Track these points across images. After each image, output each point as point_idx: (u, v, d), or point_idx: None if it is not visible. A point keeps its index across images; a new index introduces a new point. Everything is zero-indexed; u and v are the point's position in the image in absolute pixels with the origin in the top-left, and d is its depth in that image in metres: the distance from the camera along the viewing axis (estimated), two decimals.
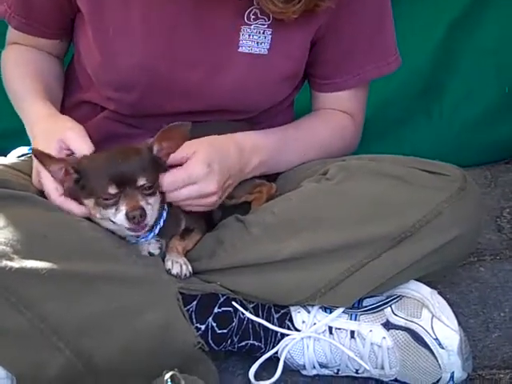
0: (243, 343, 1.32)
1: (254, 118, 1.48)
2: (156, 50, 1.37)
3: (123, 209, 1.20)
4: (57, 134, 1.32)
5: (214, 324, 1.29)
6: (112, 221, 1.23)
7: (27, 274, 1.16)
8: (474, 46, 2.06)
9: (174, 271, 1.28)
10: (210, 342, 1.29)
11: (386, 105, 2.05)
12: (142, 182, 1.22)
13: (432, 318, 1.26)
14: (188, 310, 1.28)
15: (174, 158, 1.29)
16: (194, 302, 1.29)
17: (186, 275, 1.29)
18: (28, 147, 1.56)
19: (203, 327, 1.28)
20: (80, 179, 1.25)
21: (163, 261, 1.31)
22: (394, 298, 1.31)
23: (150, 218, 1.23)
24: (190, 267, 1.31)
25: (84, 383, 1.20)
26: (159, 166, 1.27)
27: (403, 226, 1.26)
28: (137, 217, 1.19)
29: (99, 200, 1.23)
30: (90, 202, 1.25)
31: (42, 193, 1.32)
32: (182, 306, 1.26)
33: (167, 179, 1.28)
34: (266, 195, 1.43)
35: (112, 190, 1.21)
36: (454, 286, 1.56)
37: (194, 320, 1.28)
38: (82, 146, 1.30)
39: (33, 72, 1.49)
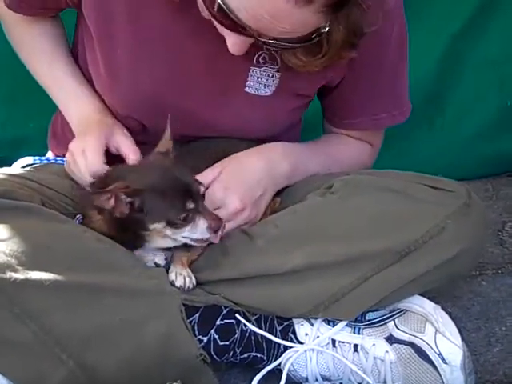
0: (245, 355, 1.32)
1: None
2: (163, 75, 1.37)
3: (204, 222, 1.20)
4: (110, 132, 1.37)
5: (217, 336, 1.29)
6: (184, 236, 1.23)
7: (32, 286, 1.16)
8: (477, 59, 2.06)
9: (178, 284, 1.28)
10: (213, 353, 1.30)
11: None
12: (202, 189, 1.23)
13: (436, 333, 1.26)
14: (191, 322, 1.28)
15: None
16: (197, 314, 1.29)
17: (189, 288, 1.29)
18: (33, 157, 1.57)
19: (205, 339, 1.29)
20: (133, 202, 1.19)
21: (167, 271, 1.30)
22: (398, 313, 1.31)
23: None
24: (193, 279, 1.31)
25: None
26: None
27: (407, 240, 1.27)
28: (220, 227, 1.21)
29: (172, 222, 1.20)
30: (158, 226, 1.21)
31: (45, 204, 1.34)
32: (185, 317, 1.26)
33: None
34: (270, 209, 1.44)
35: (190, 204, 1.19)
36: (456, 300, 1.56)
37: (197, 332, 1.28)
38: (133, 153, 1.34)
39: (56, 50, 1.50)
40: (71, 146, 1.39)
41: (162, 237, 1.25)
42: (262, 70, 1.37)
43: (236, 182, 1.34)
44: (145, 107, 1.40)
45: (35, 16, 1.48)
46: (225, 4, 1.11)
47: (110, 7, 1.32)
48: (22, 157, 1.59)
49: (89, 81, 1.48)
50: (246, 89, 1.38)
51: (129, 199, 1.20)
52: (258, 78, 1.37)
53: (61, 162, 1.50)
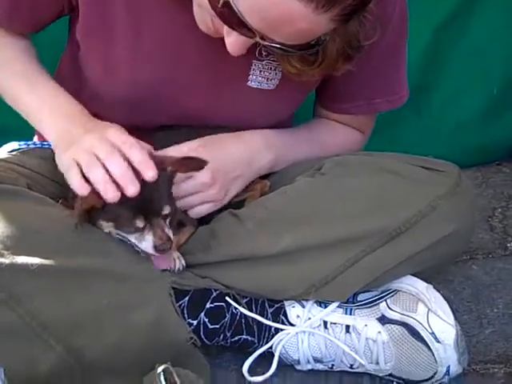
0: (236, 338, 1.30)
1: None
2: (163, 72, 1.33)
3: (150, 239, 1.17)
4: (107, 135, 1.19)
5: (206, 319, 1.28)
6: (129, 240, 1.20)
7: (18, 270, 1.14)
8: (462, 48, 2.06)
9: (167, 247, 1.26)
10: (203, 337, 1.28)
11: None
12: (167, 210, 1.18)
13: (428, 313, 1.25)
14: (180, 306, 1.26)
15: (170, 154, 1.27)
16: (186, 298, 1.27)
17: (179, 269, 1.28)
18: (18, 143, 1.54)
19: (195, 322, 1.27)
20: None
21: None
22: (390, 293, 1.30)
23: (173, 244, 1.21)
24: (183, 261, 1.29)
25: (76, 379, 1.18)
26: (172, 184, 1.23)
27: (399, 220, 1.25)
28: (166, 248, 1.17)
29: (120, 227, 1.18)
30: (107, 224, 1.19)
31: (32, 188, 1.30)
32: (174, 301, 1.25)
33: None
34: (259, 192, 1.42)
35: (140, 223, 1.16)
36: (447, 283, 1.56)
37: (186, 315, 1.26)
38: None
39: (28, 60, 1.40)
40: (80, 148, 1.18)
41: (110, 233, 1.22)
42: (264, 63, 1.34)
43: (210, 158, 1.29)
44: (143, 105, 1.36)
45: (17, 31, 1.39)
46: (232, 1, 1.07)
47: (109, 3, 1.28)
48: (4, 143, 1.54)
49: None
50: (249, 83, 1.35)
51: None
52: (260, 71, 1.34)
53: (47, 146, 1.46)
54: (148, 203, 1.16)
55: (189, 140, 1.35)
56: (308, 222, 1.28)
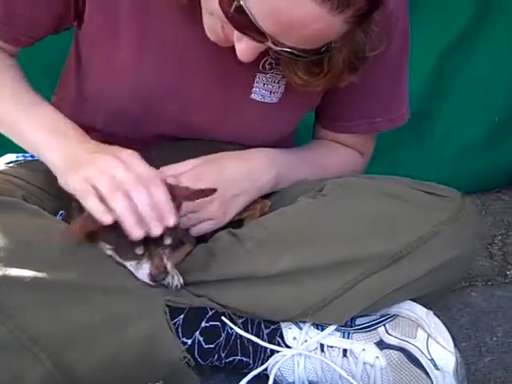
0: (231, 359, 1.27)
1: None
2: (167, 81, 1.32)
3: (147, 267, 1.16)
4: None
5: (201, 338, 1.25)
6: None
7: (10, 282, 1.11)
8: (465, 76, 2.08)
9: (165, 281, 1.25)
10: (197, 356, 1.25)
11: None
12: (168, 241, 1.16)
13: (428, 339, 1.23)
14: (175, 324, 1.23)
15: (164, 173, 1.25)
16: (182, 316, 1.25)
17: (176, 286, 1.25)
18: (16, 154, 1.53)
19: (190, 341, 1.24)
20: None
21: None
22: (389, 318, 1.28)
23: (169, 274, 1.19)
24: (181, 279, 1.27)
25: None
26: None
27: (400, 244, 1.24)
28: (161, 279, 1.17)
29: (119, 253, 1.17)
30: (105, 246, 1.18)
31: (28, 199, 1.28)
32: (169, 319, 1.22)
33: None
34: (259, 212, 1.41)
35: (139, 251, 1.14)
36: (446, 311, 1.54)
37: (181, 334, 1.24)
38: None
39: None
40: (96, 168, 1.10)
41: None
42: (268, 76, 1.33)
43: (209, 175, 1.29)
44: (145, 115, 1.34)
45: (11, 42, 1.32)
46: (245, 5, 1.06)
47: (116, 6, 1.27)
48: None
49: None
50: (252, 95, 1.35)
51: None
52: (264, 84, 1.34)
53: None
54: (149, 235, 1.13)
55: (189, 153, 1.35)
56: (307, 243, 1.26)
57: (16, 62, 1.37)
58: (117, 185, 1.08)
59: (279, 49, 1.12)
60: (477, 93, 2.09)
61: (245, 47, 1.14)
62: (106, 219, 1.08)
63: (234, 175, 1.35)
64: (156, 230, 1.09)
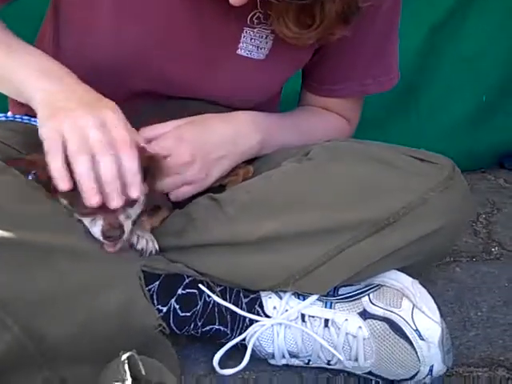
0: (208, 328, 1.22)
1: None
2: (149, 35, 1.27)
3: (100, 223, 1.09)
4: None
5: (177, 306, 1.20)
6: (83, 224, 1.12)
7: None
8: (453, 54, 2.05)
9: (139, 246, 1.19)
10: (172, 325, 1.20)
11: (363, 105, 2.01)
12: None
13: (413, 309, 1.18)
14: (149, 290, 1.18)
15: (149, 136, 1.21)
16: (157, 282, 1.19)
17: (151, 252, 1.20)
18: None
19: (165, 309, 1.19)
20: None
21: None
22: (373, 287, 1.23)
23: (127, 234, 1.11)
24: (156, 244, 1.21)
25: (34, 364, 1.09)
26: (146, 174, 1.12)
27: (387, 211, 1.18)
28: (114, 236, 1.09)
29: (74, 206, 1.10)
30: (63, 201, 1.12)
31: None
32: (143, 285, 1.17)
33: None
34: (242, 178, 1.35)
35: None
36: (431, 285, 1.46)
37: (156, 301, 1.19)
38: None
39: None
40: (72, 121, 1.05)
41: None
42: (255, 30, 1.29)
43: (192, 136, 1.24)
44: (127, 70, 1.28)
45: None
46: None
47: None
48: None
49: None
50: (239, 51, 1.30)
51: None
52: (251, 39, 1.29)
53: (19, 119, 1.39)
54: None
55: (175, 114, 1.29)
56: (292, 209, 1.21)
57: None
58: (86, 146, 1.03)
59: None
60: (464, 72, 2.06)
61: None
62: (63, 185, 1.03)
63: (217, 137, 1.29)
64: (114, 203, 1.04)
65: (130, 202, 1.09)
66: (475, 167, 2.19)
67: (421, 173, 1.22)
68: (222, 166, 1.29)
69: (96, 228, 1.10)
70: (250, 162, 1.38)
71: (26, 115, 1.32)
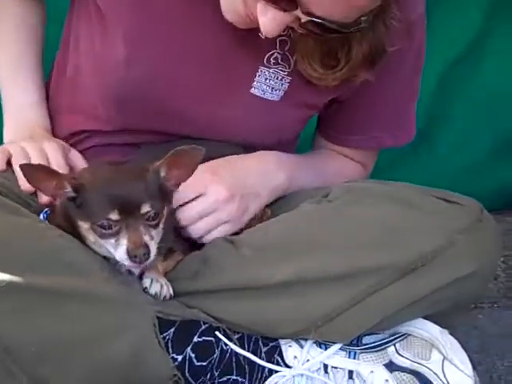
0: (225, 378, 1.16)
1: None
2: (161, 65, 1.25)
3: (124, 243, 1.05)
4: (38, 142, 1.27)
5: (193, 355, 1.14)
6: (107, 250, 1.08)
7: None
8: (466, 98, 2.02)
9: (153, 291, 1.14)
10: (187, 375, 1.14)
11: None
12: (146, 209, 1.06)
13: (443, 361, 1.13)
14: (164, 338, 1.12)
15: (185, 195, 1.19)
16: (172, 329, 1.14)
17: (165, 297, 1.15)
18: None
19: (180, 358, 1.13)
20: (77, 197, 1.08)
21: (141, 279, 1.15)
22: (399, 337, 1.18)
23: (153, 256, 1.07)
24: (170, 289, 1.16)
25: None
26: (166, 195, 1.12)
27: (413, 255, 1.14)
28: (139, 256, 1.04)
29: (95, 227, 1.06)
30: (84, 225, 1.08)
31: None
32: (158, 332, 1.11)
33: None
34: (258, 221, 1.30)
35: (113, 215, 1.05)
36: (453, 333, 1.44)
37: (171, 349, 1.13)
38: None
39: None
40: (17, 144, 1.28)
41: (93, 242, 1.10)
42: (271, 71, 1.26)
43: (226, 172, 1.21)
44: (136, 98, 1.26)
45: None
46: None
47: None
48: None
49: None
50: (252, 90, 1.28)
51: (72, 193, 1.08)
52: (266, 79, 1.27)
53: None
54: (125, 197, 1.06)
55: None
56: (312, 252, 1.17)
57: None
58: (24, 154, 1.25)
59: (308, 19, 1.05)
60: (478, 114, 2.03)
61: (270, 18, 1.07)
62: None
63: (251, 174, 1.27)
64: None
65: (152, 224, 1.07)
66: (491, 209, 2.14)
67: (447, 214, 1.18)
68: (259, 202, 1.27)
69: (120, 249, 1.05)
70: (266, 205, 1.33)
71: None
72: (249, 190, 1.24)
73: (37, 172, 1.09)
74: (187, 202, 1.20)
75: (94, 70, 1.27)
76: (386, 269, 1.14)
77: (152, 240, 1.07)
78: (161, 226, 1.10)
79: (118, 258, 1.06)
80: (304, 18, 1.06)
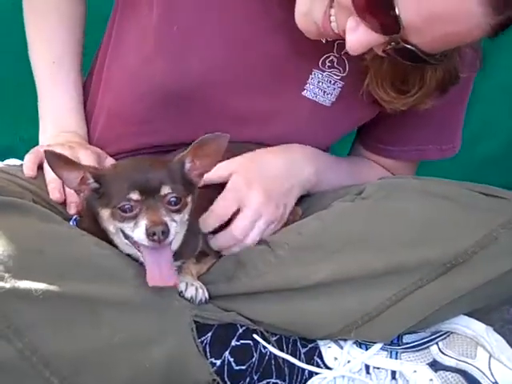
0: (264, 382, 1.14)
1: None
2: (215, 64, 1.24)
3: (143, 223, 1.03)
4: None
5: (232, 359, 1.12)
6: (127, 235, 1.06)
7: (19, 296, 0.99)
8: (488, 91, 1.99)
9: (188, 294, 1.12)
10: (226, 379, 1.12)
11: None
12: (166, 190, 1.05)
13: (490, 359, 1.10)
14: (202, 342, 1.11)
15: (209, 179, 1.16)
16: (209, 333, 1.12)
17: (201, 300, 1.13)
18: (21, 161, 1.40)
19: (219, 362, 1.11)
20: (99, 188, 1.08)
21: None
22: (441, 335, 1.16)
23: (173, 237, 1.05)
24: (206, 292, 1.15)
25: None
26: (190, 185, 1.11)
27: (454, 251, 1.12)
28: (158, 233, 1.01)
29: (115, 210, 1.05)
30: (105, 213, 1.07)
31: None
32: (195, 337, 1.10)
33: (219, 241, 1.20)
34: (290, 220, 1.28)
35: (134, 195, 1.04)
36: None
37: (209, 354, 1.11)
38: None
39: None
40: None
41: (115, 234, 1.09)
42: (324, 74, 1.25)
43: (257, 175, 1.20)
44: (188, 96, 1.25)
45: None
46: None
47: None
48: None
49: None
50: (304, 92, 1.26)
51: (94, 184, 1.08)
52: (318, 82, 1.26)
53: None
54: (145, 180, 1.06)
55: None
56: (348, 251, 1.15)
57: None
58: None
59: (401, 45, 1.01)
60: (499, 107, 2.00)
61: (359, 38, 1.03)
62: (30, 171, 1.27)
63: (277, 170, 1.25)
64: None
65: (173, 209, 1.06)
66: None
67: (488, 209, 1.15)
68: (294, 195, 1.26)
69: (139, 229, 1.03)
70: (297, 203, 1.31)
71: None
72: (282, 188, 1.23)
73: (59, 160, 1.08)
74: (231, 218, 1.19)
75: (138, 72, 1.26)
76: (426, 266, 1.12)
77: (173, 222, 1.05)
78: (185, 214, 1.08)
79: (136, 238, 1.04)
80: (399, 44, 1.01)
